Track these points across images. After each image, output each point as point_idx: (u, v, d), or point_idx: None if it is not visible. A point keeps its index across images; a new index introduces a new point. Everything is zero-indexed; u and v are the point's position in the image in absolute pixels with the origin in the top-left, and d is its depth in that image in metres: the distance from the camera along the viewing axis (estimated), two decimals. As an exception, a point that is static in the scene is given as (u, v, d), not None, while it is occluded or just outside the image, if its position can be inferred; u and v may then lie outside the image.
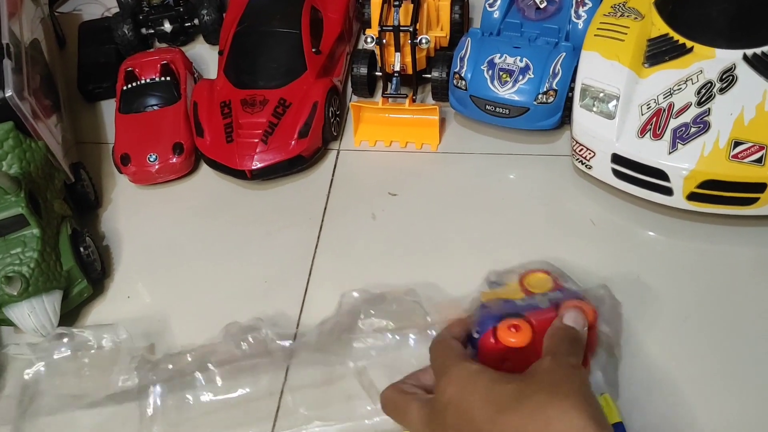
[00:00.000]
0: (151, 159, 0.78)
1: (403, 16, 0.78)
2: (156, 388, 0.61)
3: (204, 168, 0.82)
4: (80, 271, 0.68)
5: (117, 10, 0.96)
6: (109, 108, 0.89)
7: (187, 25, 0.93)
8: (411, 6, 0.79)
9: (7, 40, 0.70)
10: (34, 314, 0.65)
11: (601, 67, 0.71)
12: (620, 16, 0.74)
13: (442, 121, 0.82)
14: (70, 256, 0.68)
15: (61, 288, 0.66)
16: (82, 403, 0.61)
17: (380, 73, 0.83)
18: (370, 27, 0.85)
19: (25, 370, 0.63)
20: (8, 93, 0.65)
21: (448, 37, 0.85)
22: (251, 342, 0.61)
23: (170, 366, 0.61)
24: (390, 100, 0.81)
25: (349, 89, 0.87)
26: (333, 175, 0.80)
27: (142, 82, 0.83)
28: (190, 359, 0.61)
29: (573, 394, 0.41)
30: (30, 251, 0.65)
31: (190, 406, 0.61)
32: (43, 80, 0.77)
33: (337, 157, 0.81)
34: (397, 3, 0.78)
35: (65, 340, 0.64)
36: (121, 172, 0.80)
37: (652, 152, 0.67)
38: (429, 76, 0.81)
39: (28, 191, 0.66)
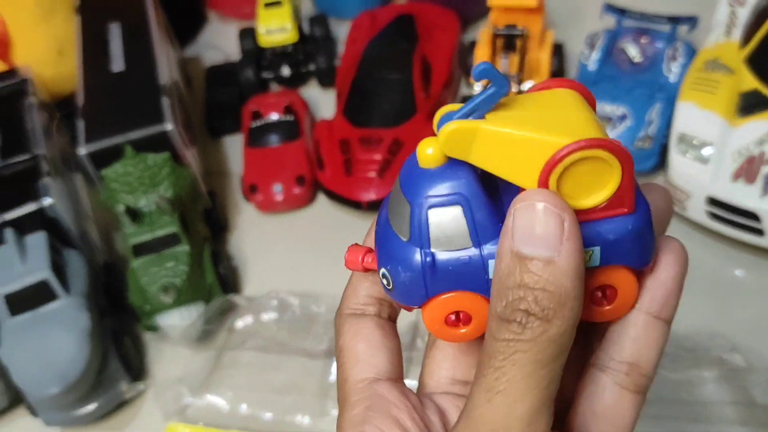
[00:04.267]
0: (277, 189, 0.87)
1: (509, 65, 0.86)
2: None
3: (321, 199, 0.90)
4: (219, 287, 0.76)
5: (235, 56, 1.06)
6: (232, 143, 0.99)
7: (303, 70, 1.03)
8: (517, 57, 0.86)
9: (165, 81, 0.79)
10: (182, 322, 0.73)
11: (696, 117, 0.77)
12: (712, 71, 0.80)
13: (541, 163, 0.88)
14: (212, 273, 0.76)
15: (204, 300, 0.75)
16: (276, 351, 0.70)
17: (484, 117, 0.90)
18: (473, 75, 0.93)
19: (238, 318, 0.74)
20: (169, 127, 0.75)
21: (546, 85, 0.92)
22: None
23: None
24: (493, 142, 0.88)
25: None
26: (439, 209, 0.87)
27: (268, 120, 0.92)
28: None
29: None
30: (181, 265, 0.73)
31: None
32: (185, 115, 0.86)
33: (443, 192, 0.88)
34: (505, 56, 0.86)
35: (274, 302, 0.73)
36: (248, 201, 0.89)
37: (745, 196, 0.72)
38: (529, 121, 0.88)
39: (180, 213, 0.75)
